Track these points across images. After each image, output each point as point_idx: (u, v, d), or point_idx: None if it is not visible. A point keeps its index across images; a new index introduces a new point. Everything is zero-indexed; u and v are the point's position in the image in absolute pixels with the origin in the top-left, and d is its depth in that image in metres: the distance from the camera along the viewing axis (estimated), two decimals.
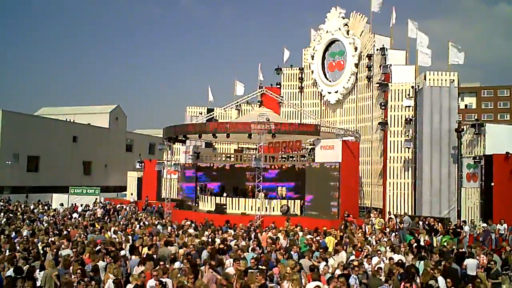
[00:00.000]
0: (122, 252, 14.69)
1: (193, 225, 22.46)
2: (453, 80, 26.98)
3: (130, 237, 17.58)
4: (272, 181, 30.36)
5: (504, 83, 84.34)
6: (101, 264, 12.79)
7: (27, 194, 40.66)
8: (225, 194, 30.30)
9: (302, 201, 27.99)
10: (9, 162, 45.85)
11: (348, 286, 11.04)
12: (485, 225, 21.27)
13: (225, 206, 28.31)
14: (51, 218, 26.44)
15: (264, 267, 12.39)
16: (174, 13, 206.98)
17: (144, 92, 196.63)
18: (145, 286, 10.94)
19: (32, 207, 31.63)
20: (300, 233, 19.51)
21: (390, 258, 13.70)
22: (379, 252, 14.82)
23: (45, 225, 22.80)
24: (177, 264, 12.90)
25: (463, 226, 21.52)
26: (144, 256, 13.67)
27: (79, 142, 54.92)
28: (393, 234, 21.06)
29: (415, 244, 17.61)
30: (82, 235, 18.03)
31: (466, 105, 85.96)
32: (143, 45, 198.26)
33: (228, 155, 34.36)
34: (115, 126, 61.99)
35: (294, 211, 27.41)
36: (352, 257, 14.38)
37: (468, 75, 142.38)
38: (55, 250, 14.60)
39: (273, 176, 30.87)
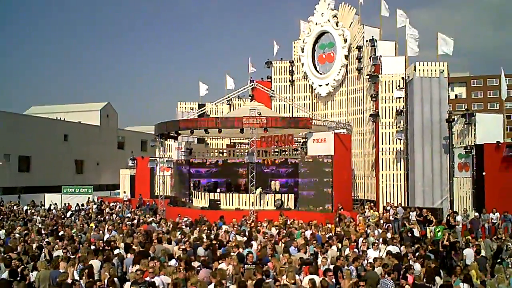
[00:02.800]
0: (117, 251, 14.65)
1: (188, 221, 22.50)
2: (443, 70, 27.02)
3: (125, 235, 17.51)
4: (265, 175, 30.39)
5: (493, 72, 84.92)
6: (96, 263, 12.72)
7: (19, 195, 40.33)
8: (218, 190, 30.28)
9: (295, 195, 28.05)
10: (0, 163, 45.49)
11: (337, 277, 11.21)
12: (477, 214, 21.44)
13: (219, 202, 28.31)
14: (44, 218, 26.29)
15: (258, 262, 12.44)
16: (162, 7, 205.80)
17: (135, 88, 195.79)
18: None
19: (25, 208, 31.43)
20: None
21: (388, 252, 13.83)
22: (375, 244, 14.93)
23: (39, 225, 22.66)
24: (172, 262, 12.89)
25: (455, 216, 21.67)
26: (138, 253, 13.64)
27: (70, 140, 54.53)
28: (387, 225, 21.21)
29: (409, 235, 17.77)
30: (77, 234, 17.99)
31: (456, 95, 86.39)
32: (132, 41, 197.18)
33: (221, 151, 34.32)
34: (106, 123, 61.63)
35: (287, 205, 27.47)
36: (347, 250, 14.45)
37: (457, 65, 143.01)
38: (49, 251, 14.54)
39: (266, 171, 30.90)
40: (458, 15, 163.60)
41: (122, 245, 15.99)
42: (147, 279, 11.12)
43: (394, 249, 14.30)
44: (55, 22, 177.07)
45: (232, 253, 13.34)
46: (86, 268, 11.97)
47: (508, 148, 22.82)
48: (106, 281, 11.27)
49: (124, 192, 40.19)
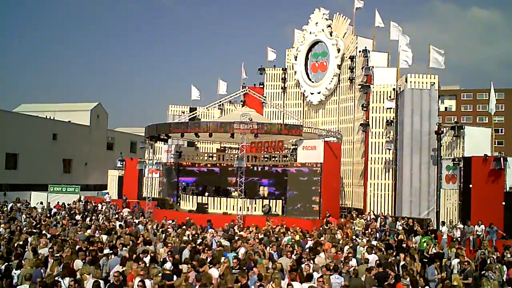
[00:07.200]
0: (105, 251, 14.57)
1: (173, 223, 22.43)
2: (434, 83, 27.29)
3: (113, 236, 17.44)
4: (254, 181, 30.38)
5: (482, 87, 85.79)
6: (78, 263, 12.62)
7: (5, 192, 39.93)
8: (206, 194, 30.21)
9: (283, 201, 28.07)
10: None
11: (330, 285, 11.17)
12: (461, 226, 21.59)
13: (206, 206, 28.23)
14: (30, 216, 26.02)
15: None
16: (155, 12, 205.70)
17: (126, 90, 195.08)
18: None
19: (10, 205, 31.07)
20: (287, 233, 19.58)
21: (366, 260, 13.89)
22: (363, 252, 14.99)
23: (24, 223, 22.45)
24: (167, 265, 12.83)
25: (441, 227, 21.82)
26: (134, 258, 13.61)
27: (59, 139, 54.11)
28: (376, 234, 21.34)
29: (395, 244, 17.85)
30: (61, 233, 17.85)
31: (446, 108, 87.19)
32: (125, 43, 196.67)
33: (211, 155, 34.28)
34: (96, 124, 61.28)
35: (275, 211, 27.47)
36: (333, 257, 14.47)
37: (448, 78, 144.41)
38: (33, 249, 14.41)
39: (255, 176, 30.91)
40: (446, 30, 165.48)
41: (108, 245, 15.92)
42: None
43: (373, 257, 14.33)
44: (48, 21, 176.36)
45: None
46: (66, 267, 11.88)
47: (495, 162, 23.02)
48: (89, 282, 11.19)
49: (108, 193, 39.92)
